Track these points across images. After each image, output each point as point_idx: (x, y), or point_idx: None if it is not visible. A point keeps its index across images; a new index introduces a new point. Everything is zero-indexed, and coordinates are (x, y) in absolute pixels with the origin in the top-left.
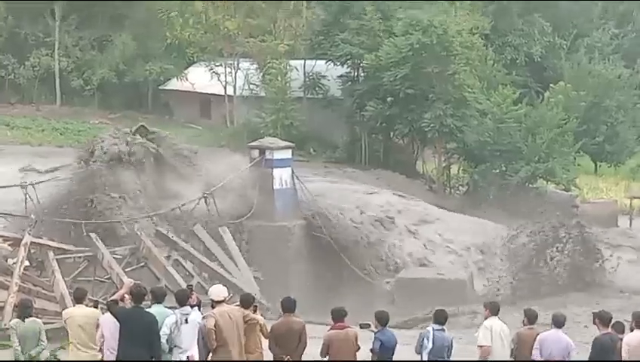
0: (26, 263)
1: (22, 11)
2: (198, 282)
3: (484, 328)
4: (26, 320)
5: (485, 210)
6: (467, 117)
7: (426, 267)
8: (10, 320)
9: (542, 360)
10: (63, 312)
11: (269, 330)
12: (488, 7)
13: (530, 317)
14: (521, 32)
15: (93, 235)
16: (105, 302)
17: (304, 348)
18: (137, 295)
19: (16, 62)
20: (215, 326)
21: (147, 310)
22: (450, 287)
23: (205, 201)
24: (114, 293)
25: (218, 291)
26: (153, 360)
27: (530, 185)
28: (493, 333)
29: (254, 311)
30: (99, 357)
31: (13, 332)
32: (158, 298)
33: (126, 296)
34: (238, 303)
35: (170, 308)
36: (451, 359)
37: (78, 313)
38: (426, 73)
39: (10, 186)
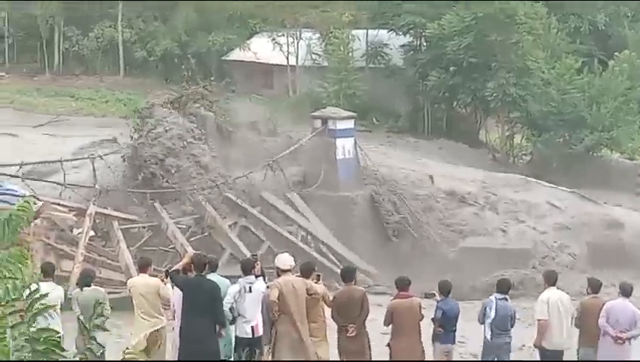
0: (91, 233)
1: None
2: (269, 246)
3: (540, 301)
4: (87, 289)
5: (549, 180)
6: (530, 86)
7: (491, 236)
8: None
9: (609, 328)
10: (127, 281)
11: (330, 299)
12: None
13: (594, 287)
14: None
15: (157, 205)
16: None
17: (366, 315)
18: (198, 263)
19: (80, 34)
20: (278, 297)
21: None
22: (515, 256)
23: (271, 169)
24: (176, 263)
25: (284, 259)
26: (217, 327)
27: (595, 154)
28: (550, 305)
29: (317, 280)
30: (162, 324)
31: (75, 301)
32: (212, 267)
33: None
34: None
35: (231, 277)
36: (514, 329)
37: (140, 282)
38: (489, 42)
39: (79, 159)
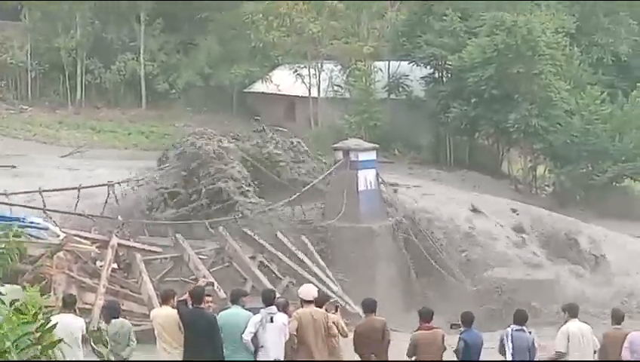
0: (114, 266)
1: (108, 16)
2: (290, 282)
3: (561, 333)
4: (114, 321)
5: (572, 210)
6: (553, 117)
7: (512, 267)
8: (99, 323)
9: (633, 359)
10: (151, 313)
11: (353, 332)
12: (574, 6)
13: (617, 318)
14: (608, 31)
15: (179, 236)
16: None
17: (388, 344)
18: (197, 295)
19: (102, 67)
20: (297, 329)
21: (225, 311)
22: (538, 287)
23: (290, 205)
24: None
25: (307, 291)
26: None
27: (617, 185)
28: (570, 338)
29: (335, 311)
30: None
31: (105, 333)
32: (234, 298)
33: (207, 297)
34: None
35: (254, 308)
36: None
37: (162, 313)
38: (510, 73)
39: (98, 186)
